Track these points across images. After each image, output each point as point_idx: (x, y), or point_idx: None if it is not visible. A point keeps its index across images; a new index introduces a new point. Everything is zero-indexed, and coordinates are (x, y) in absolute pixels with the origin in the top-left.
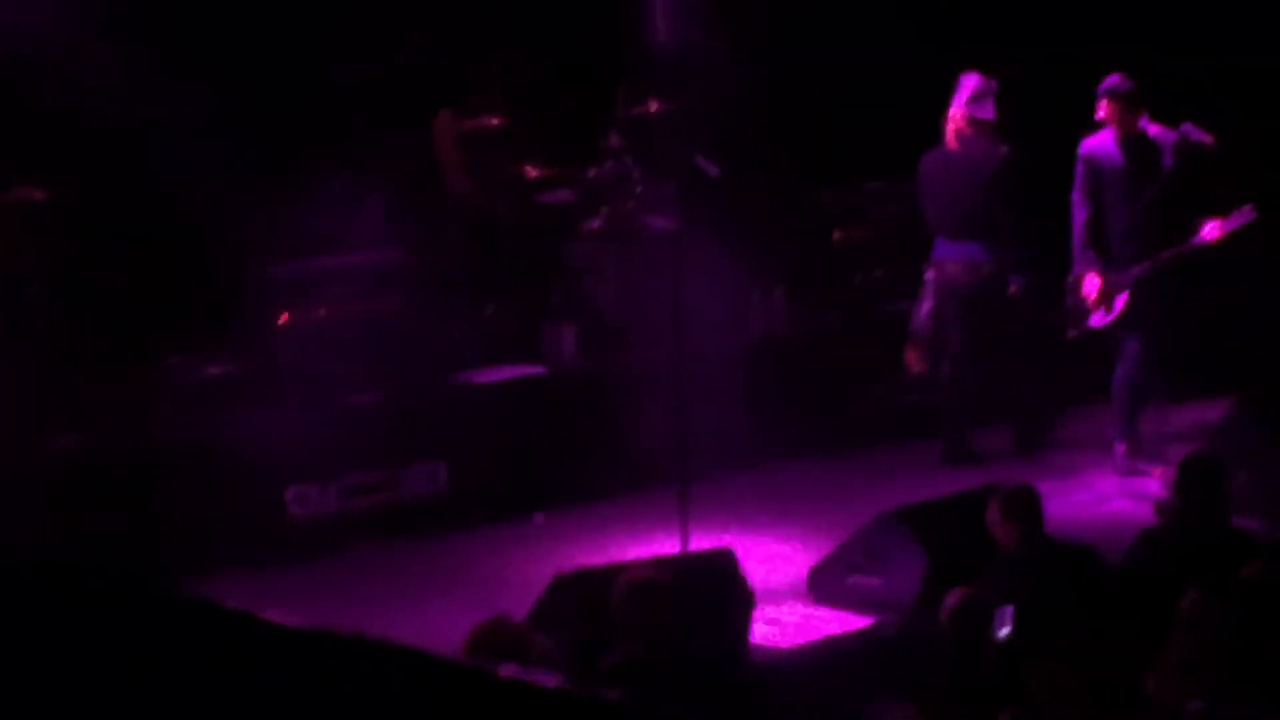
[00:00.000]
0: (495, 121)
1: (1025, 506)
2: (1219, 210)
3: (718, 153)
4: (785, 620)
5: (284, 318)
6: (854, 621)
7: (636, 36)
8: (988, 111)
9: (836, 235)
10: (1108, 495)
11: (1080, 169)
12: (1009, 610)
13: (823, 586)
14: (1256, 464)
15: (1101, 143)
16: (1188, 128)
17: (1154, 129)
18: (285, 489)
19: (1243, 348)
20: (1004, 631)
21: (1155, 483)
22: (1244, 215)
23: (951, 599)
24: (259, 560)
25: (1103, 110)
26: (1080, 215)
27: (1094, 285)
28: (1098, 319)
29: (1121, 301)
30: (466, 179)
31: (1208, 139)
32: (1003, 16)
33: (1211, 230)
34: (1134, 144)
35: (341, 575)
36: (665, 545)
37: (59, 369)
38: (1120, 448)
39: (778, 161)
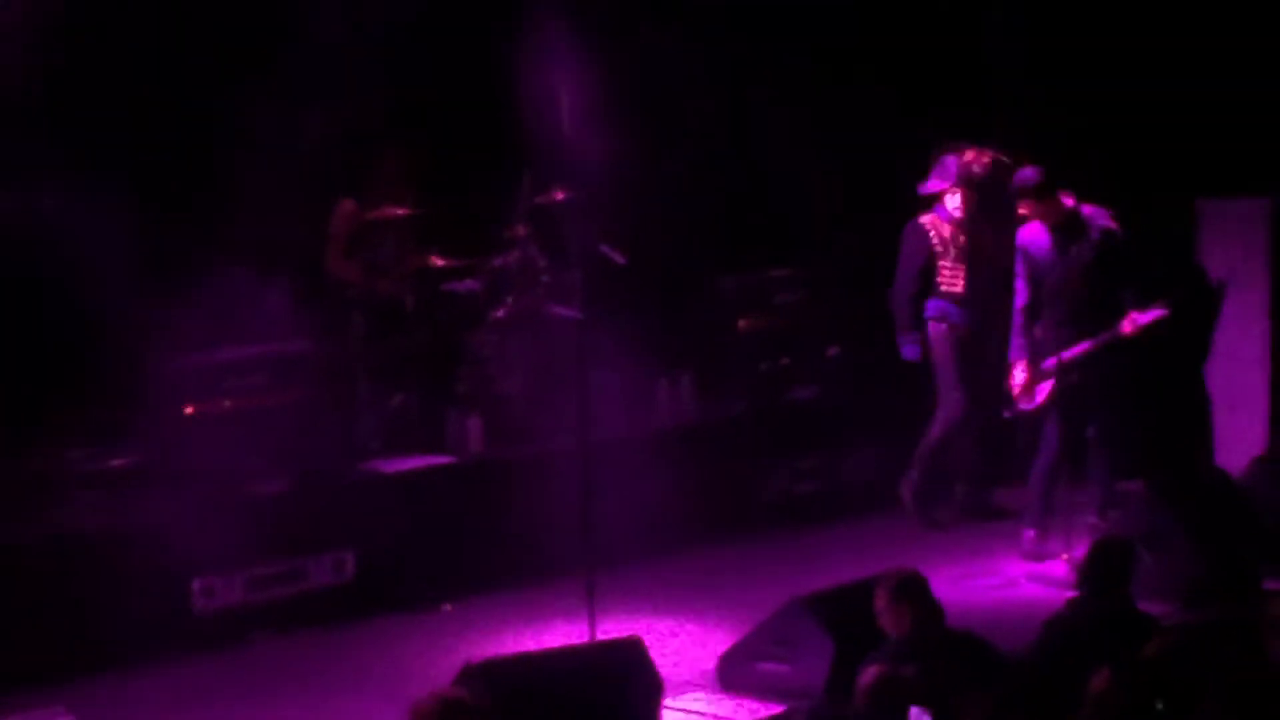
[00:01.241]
0: (400, 211)
1: (912, 592)
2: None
3: (622, 241)
4: (694, 709)
5: (189, 409)
6: (764, 709)
7: (540, 127)
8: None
9: (741, 323)
10: (1014, 579)
11: (1018, 258)
12: (924, 716)
13: (732, 674)
14: (1164, 548)
15: (1034, 233)
16: (1100, 213)
17: (1087, 210)
18: (190, 580)
19: (1149, 432)
20: None
21: (1062, 566)
22: (1158, 311)
23: (865, 677)
24: (164, 653)
25: (1021, 208)
26: (1018, 302)
27: (1020, 376)
28: (1025, 405)
29: (1044, 390)
30: (354, 266)
31: (1113, 225)
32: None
33: (1126, 324)
34: (1063, 231)
35: (248, 667)
36: (573, 633)
37: None
38: (1029, 534)
39: (680, 249)
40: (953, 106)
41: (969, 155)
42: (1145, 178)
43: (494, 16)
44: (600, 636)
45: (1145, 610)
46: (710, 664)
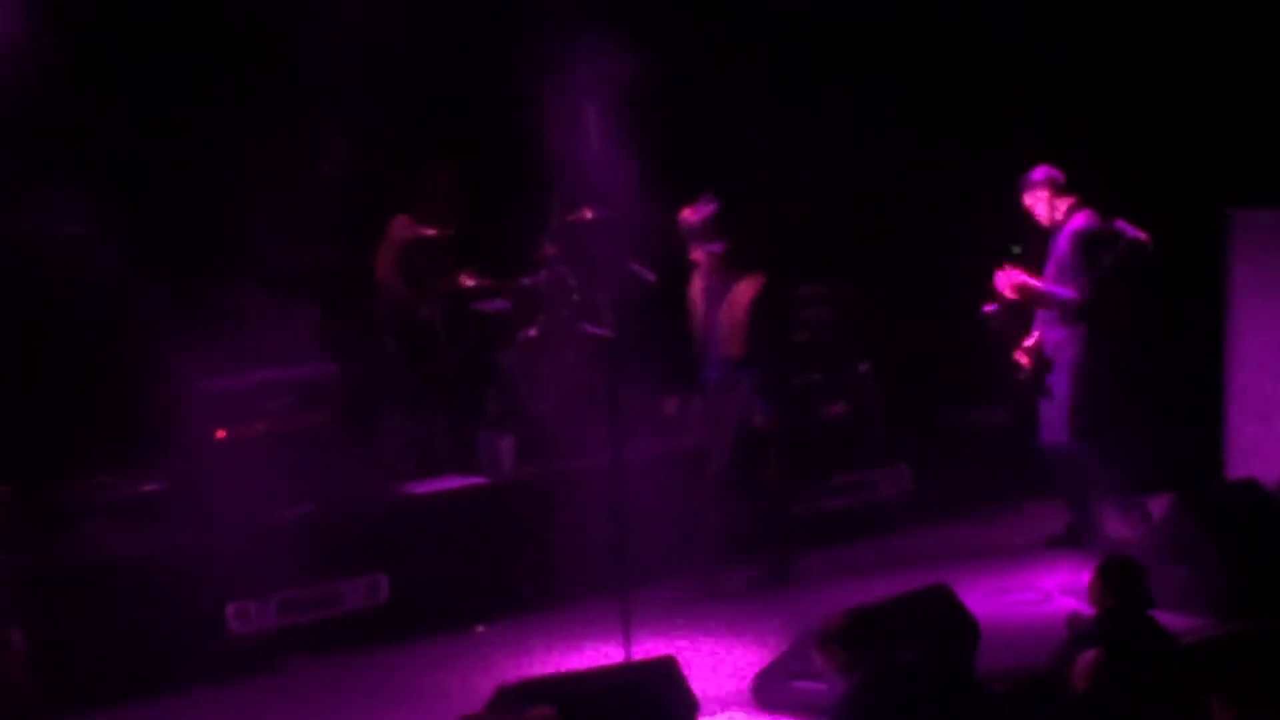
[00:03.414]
0: (430, 231)
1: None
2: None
3: (651, 259)
4: None
5: (221, 434)
6: None
7: (567, 145)
8: None
9: None
10: (1050, 594)
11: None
12: None
13: (768, 693)
14: (1195, 560)
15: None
16: (1121, 224)
17: (1080, 219)
18: (224, 606)
19: (1179, 446)
20: None
21: None
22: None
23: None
24: (199, 678)
25: (1026, 200)
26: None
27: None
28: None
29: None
30: (404, 284)
31: (1142, 235)
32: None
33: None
34: (1056, 235)
35: (283, 692)
36: (608, 654)
37: None
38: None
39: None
40: (968, 118)
41: (685, 211)
42: (1174, 188)
43: (517, 37)
44: (635, 656)
45: (1173, 624)
46: (745, 682)
